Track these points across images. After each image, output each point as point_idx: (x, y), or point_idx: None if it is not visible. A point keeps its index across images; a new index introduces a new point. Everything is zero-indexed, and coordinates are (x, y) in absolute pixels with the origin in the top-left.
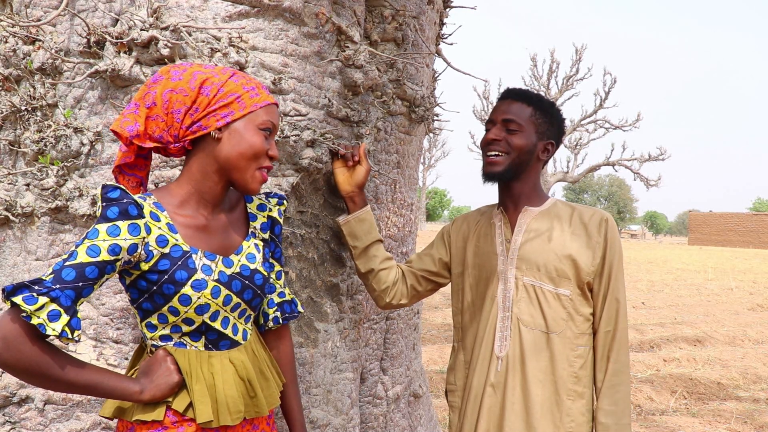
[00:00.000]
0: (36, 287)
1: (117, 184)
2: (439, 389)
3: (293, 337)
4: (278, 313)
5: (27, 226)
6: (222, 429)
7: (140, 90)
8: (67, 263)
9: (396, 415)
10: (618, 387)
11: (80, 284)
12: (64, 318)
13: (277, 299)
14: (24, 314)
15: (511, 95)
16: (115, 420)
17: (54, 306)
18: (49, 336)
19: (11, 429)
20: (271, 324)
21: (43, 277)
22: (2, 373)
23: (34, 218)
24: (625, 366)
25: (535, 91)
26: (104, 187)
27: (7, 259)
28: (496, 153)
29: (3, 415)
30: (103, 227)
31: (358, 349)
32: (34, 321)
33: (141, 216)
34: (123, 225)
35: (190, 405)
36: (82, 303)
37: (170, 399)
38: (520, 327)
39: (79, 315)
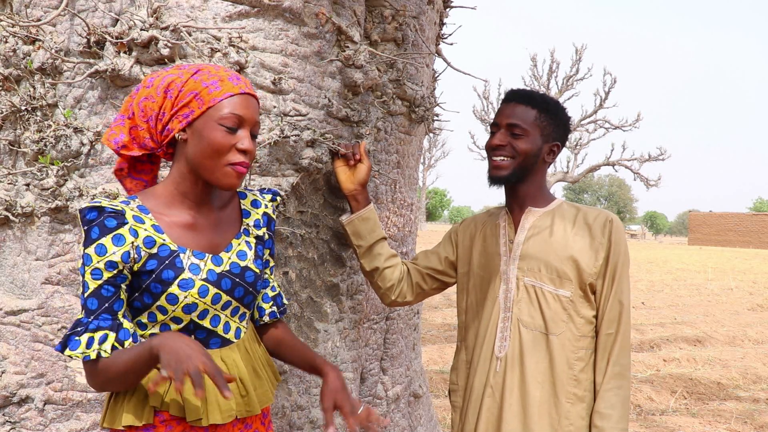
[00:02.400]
0: (78, 329)
1: (93, 204)
2: (439, 389)
3: None
4: (275, 308)
5: (27, 226)
6: (212, 428)
7: (124, 102)
8: (86, 295)
9: (396, 415)
10: (616, 390)
11: (107, 305)
12: (111, 335)
13: (270, 293)
14: (85, 356)
15: (515, 98)
16: None
17: (99, 333)
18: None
19: (11, 429)
20: (267, 319)
21: (80, 316)
22: (2, 373)
23: (34, 218)
24: (626, 369)
25: (540, 92)
26: (81, 211)
27: (7, 259)
28: (502, 158)
29: (3, 415)
30: (91, 250)
31: (358, 349)
32: (92, 356)
33: (123, 223)
34: (107, 241)
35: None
36: (123, 313)
37: (157, 402)
38: (519, 327)
39: (126, 326)
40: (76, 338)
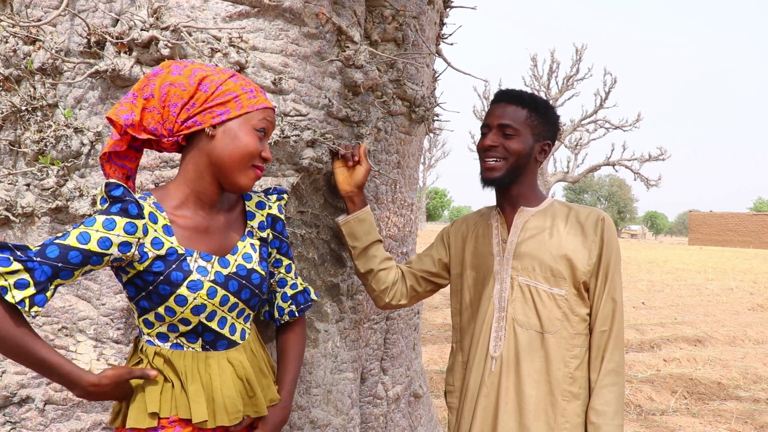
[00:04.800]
0: (18, 252)
1: (120, 182)
2: (439, 389)
3: None
4: (293, 306)
5: (27, 226)
6: (219, 429)
7: (140, 81)
8: (56, 241)
9: (396, 415)
10: (611, 387)
11: (59, 265)
12: (30, 290)
13: (290, 292)
14: None
15: (505, 98)
16: None
17: (26, 276)
18: (7, 300)
19: (11, 429)
20: (287, 318)
21: (30, 246)
22: (2, 373)
23: (35, 218)
24: (620, 366)
25: (528, 91)
26: (107, 185)
27: None
28: (494, 159)
29: (3, 415)
30: (100, 218)
31: (358, 349)
32: (2, 284)
33: (141, 216)
34: (120, 221)
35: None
36: (59, 284)
37: (156, 408)
38: (515, 327)
39: (48, 294)
40: (10, 258)
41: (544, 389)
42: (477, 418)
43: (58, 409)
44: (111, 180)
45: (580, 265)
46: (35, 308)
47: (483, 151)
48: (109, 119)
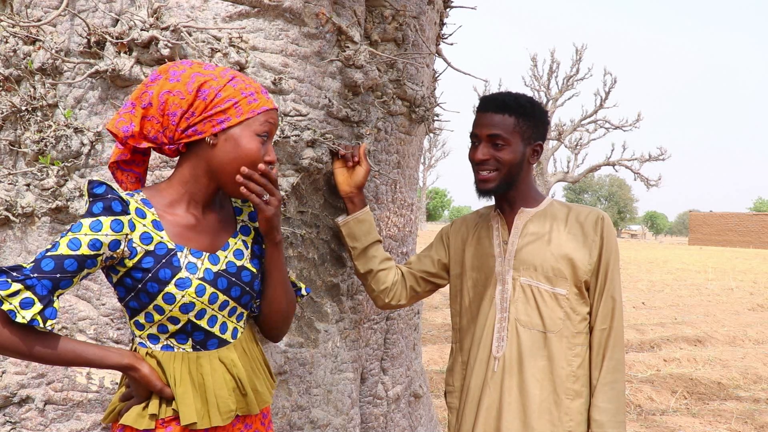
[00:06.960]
0: (14, 273)
1: (102, 180)
2: (439, 389)
3: (294, 337)
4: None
5: (27, 226)
6: (212, 429)
7: (137, 89)
8: (48, 254)
9: (396, 415)
10: (613, 384)
11: (58, 275)
12: (37, 306)
13: None
14: None
15: (490, 106)
16: None
17: (28, 294)
18: (20, 323)
19: (12, 429)
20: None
21: (24, 264)
22: (2, 373)
23: (35, 218)
24: (620, 363)
25: (512, 94)
26: (90, 182)
27: (8, 259)
28: (487, 170)
29: (3, 415)
30: (86, 221)
31: (358, 349)
32: (5, 307)
33: (125, 212)
34: (106, 221)
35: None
36: (60, 294)
37: (157, 411)
38: (517, 327)
39: (56, 305)
40: (10, 282)
41: (548, 388)
42: (480, 418)
43: (58, 409)
44: (94, 178)
45: (581, 264)
46: (50, 322)
47: (475, 164)
48: (110, 131)
